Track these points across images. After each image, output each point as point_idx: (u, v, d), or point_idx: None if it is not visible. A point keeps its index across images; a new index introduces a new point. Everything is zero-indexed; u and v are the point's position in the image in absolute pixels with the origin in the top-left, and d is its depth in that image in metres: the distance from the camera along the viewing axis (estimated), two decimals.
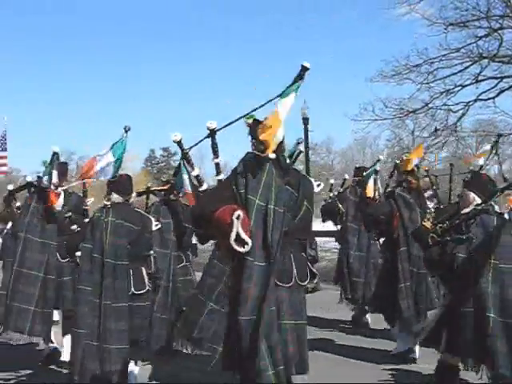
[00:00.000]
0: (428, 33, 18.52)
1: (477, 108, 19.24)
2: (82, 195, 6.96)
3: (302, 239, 4.32)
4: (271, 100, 4.24)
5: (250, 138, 4.38)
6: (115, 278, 5.68)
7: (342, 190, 9.63)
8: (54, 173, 6.79)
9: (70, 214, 7.12)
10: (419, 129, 22.27)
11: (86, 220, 6.31)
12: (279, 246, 3.99)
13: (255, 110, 4.37)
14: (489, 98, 18.44)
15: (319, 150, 65.92)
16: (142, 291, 5.88)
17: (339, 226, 9.54)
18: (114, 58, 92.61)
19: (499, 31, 17.68)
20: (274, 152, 4.12)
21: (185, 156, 5.45)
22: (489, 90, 18.33)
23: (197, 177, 5.40)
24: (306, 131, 24.96)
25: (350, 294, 8.61)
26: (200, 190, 5.25)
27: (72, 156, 75.41)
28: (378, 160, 8.52)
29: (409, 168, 7.34)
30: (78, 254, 5.97)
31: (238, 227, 3.86)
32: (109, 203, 5.91)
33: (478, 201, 5.06)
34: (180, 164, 5.56)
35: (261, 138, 4.14)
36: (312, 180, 4.56)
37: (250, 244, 3.88)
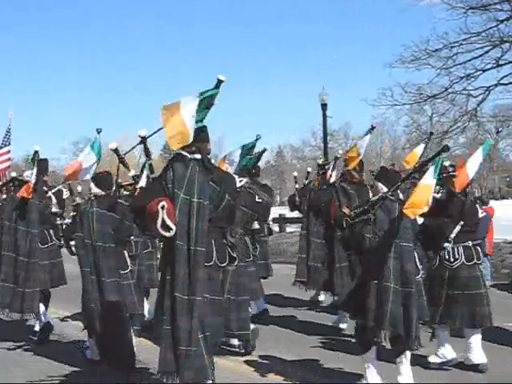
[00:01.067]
0: (447, 17, 18.18)
1: (497, 93, 18.95)
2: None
3: (223, 227, 5.21)
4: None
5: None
6: (107, 258, 6.60)
7: (306, 182, 10.00)
8: (34, 169, 7.69)
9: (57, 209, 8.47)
10: (437, 114, 22.04)
11: (73, 214, 7.47)
12: (204, 232, 4.89)
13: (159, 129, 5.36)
14: (510, 83, 18.17)
15: (337, 137, 65.72)
16: (125, 271, 6.81)
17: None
18: (134, 45, 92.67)
19: None
20: (199, 153, 5.08)
21: (121, 161, 6.53)
22: (510, 74, 18.06)
23: (133, 176, 6.59)
24: (325, 117, 24.99)
25: (306, 277, 8.90)
26: (137, 186, 6.34)
27: (90, 143, 76.03)
28: (337, 157, 9.08)
29: (351, 167, 8.18)
30: (73, 243, 7.07)
31: (163, 215, 4.76)
32: (93, 196, 6.86)
33: (385, 189, 5.86)
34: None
35: (176, 138, 4.95)
36: (236, 177, 5.72)
37: (174, 229, 4.79)
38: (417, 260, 5.80)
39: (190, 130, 4.90)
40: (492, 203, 13.42)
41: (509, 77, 18.11)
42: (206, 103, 5.01)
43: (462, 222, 6.44)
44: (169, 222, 4.77)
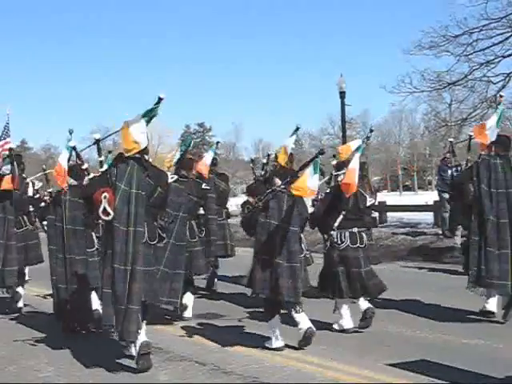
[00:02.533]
0: (467, 3, 17.95)
1: None
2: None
3: (156, 213, 6.53)
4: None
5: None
6: (77, 239, 7.92)
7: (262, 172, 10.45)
8: (14, 164, 8.71)
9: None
10: (456, 101, 21.85)
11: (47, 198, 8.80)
12: (142, 217, 6.27)
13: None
14: None
15: (355, 125, 65.38)
16: (92, 249, 8.12)
17: None
18: (146, 33, 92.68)
19: None
20: (139, 153, 6.34)
21: (78, 157, 7.99)
22: None
23: (85, 169, 7.69)
24: (343, 105, 24.87)
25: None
26: (87, 178, 7.54)
27: (108, 132, 76.34)
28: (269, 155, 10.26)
29: (281, 162, 9.38)
30: (45, 223, 8.66)
31: (104, 203, 6.13)
32: (66, 186, 7.95)
33: (279, 183, 7.05)
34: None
35: (125, 145, 6.32)
36: (168, 174, 7.21)
37: (112, 214, 6.16)
38: (301, 241, 7.16)
39: (140, 142, 6.32)
40: None
41: None
42: (148, 119, 6.38)
43: (344, 212, 7.63)
44: (108, 209, 6.18)
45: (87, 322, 8.03)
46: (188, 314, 8.63)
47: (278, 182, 7.11)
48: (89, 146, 7.95)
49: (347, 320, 7.69)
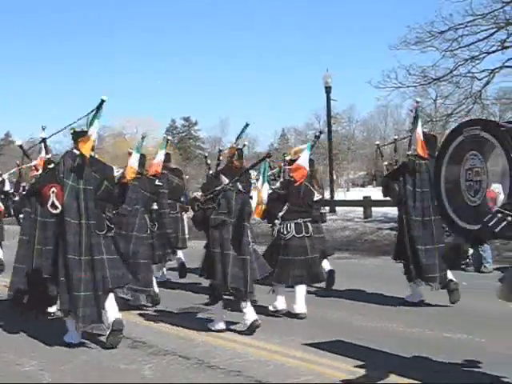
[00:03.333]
0: None
1: (502, 75, 18.82)
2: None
3: (104, 205, 6.98)
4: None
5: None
6: (46, 230, 7.95)
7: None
8: None
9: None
10: (441, 97, 21.94)
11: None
12: (93, 210, 6.76)
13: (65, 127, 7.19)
14: None
15: (341, 120, 65.44)
16: None
17: None
18: (135, 30, 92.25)
19: None
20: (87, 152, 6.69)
21: (25, 155, 8.51)
22: None
23: (30, 167, 8.35)
24: (329, 100, 24.91)
25: None
26: (36, 174, 8.15)
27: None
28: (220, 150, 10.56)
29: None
30: (21, 216, 8.78)
31: (53, 197, 6.69)
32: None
33: (227, 181, 7.45)
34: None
35: (80, 146, 6.68)
36: (114, 168, 7.50)
37: (60, 208, 6.68)
38: (249, 234, 7.50)
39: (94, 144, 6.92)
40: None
41: None
42: (96, 120, 6.80)
43: (288, 204, 8.26)
44: (56, 203, 6.70)
45: (46, 307, 8.27)
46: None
47: (224, 179, 7.55)
48: (35, 145, 8.24)
49: (280, 302, 8.39)
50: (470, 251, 12.37)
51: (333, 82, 24.76)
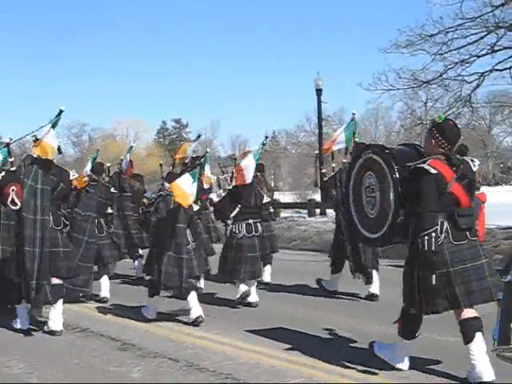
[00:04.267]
0: (443, 2, 18.04)
1: (491, 79, 18.87)
2: None
3: (60, 204, 7.87)
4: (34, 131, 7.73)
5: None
6: (9, 233, 8.06)
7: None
8: None
9: None
10: (432, 100, 21.98)
11: None
12: (48, 208, 7.51)
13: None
14: (505, 69, 18.09)
15: (332, 122, 65.51)
16: None
17: None
18: (126, 32, 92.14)
19: None
20: (44, 155, 7.52)
21: (9, 153, 8.16)
22: (505, 60, 17.99)
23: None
24: (319, 102, 24.95)
25: None
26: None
27: (84, 127, 75.73)
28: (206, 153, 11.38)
29: (180, 155, 11.09)
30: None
31: (12, 195, 7.35)
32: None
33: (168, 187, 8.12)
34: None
35: (34, 150, 7.59)
36: (70, 172, 8.14)
37: (19, 205, 7.37)
38: (188, 235, 8.15)
39: (53, 148, 7.62)
40: (485, 189, 13.43)
41: (503, 63, 18.02)
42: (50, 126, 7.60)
43: (240, 206, 8.95)
44: (16, 200, 7.36)
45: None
46: (105, 293, 9.75)
47: (166, 185, 8.25)
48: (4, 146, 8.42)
49: (243, 287, 9.04)
50: None
51: (323, 84, 24.82)
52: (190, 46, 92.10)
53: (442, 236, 5.40)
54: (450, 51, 18.22)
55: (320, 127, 25.83)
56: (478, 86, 18.57)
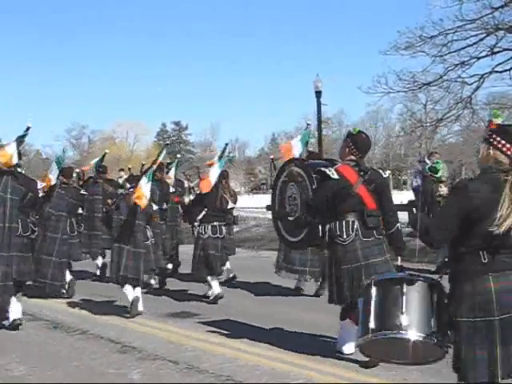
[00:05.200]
0: (443, 4, 18.04)
1: (491, 80, 18.87)
2: None
3: (28, 211, 8.26)
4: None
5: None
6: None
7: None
8: None
9: None
10: (431, 102, 21.98)
11: None
12: (16, 216, 7.99)
13: None
14: (504, 70, 18.11)
15: (331, 124, 65.57)
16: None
17: None
18: (126, 34, 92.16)
19: None
20: (13, 167, 8.10)
21: None
22: (505, 61, 18.01)
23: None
24: (319, 104, 24.94)
25: None
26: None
27: (84, 130, 75.85)
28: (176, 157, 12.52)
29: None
30: None
31: None
32: None
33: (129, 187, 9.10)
34: None
35: (3, 161, 7.97)
36: (37, 181, 8.78)
37: None
38: (147, 232, 9.04)
39: (14, 159, 8.08)
40: None
41: (503, 64, 18.05)
42: (18, 143, 8.24)
43: (206, 209, 9.74)
44: None
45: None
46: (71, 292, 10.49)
47: (128, 186, 9.18)
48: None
49: (216, 288, 9.78)
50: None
51: (323, 86, 24.81)
52: (190, 49, 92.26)
53: (353, 234, 6.10)
54: (449, 53, 18.23)
55: (320, 129, 25.83)
56: (477, 87, 18.58)
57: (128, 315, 8.71)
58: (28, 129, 8.45)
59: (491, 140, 3.81)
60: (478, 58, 18.12)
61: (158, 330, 7.95)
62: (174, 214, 12.15)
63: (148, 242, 9.00)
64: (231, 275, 11.26)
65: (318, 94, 24.74)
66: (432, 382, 5.65)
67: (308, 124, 10.90)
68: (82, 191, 11.41)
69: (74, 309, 9.40)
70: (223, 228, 9.99)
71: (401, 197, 28.43)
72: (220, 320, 8.39)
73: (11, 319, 8.09)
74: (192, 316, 8.79)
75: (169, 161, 13.60)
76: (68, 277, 10.40)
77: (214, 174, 9.70)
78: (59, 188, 10.22)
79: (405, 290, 3.82)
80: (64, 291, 10.34)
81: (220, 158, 10.17)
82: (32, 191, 8.29)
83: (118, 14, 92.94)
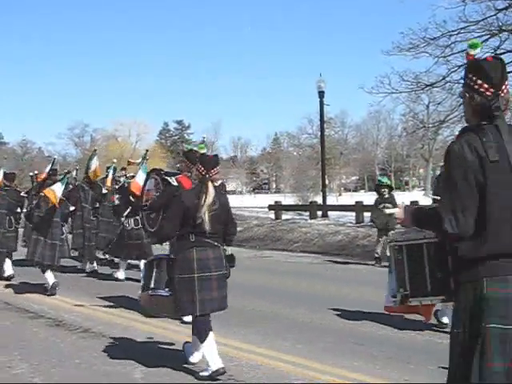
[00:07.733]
0: (446, 5, 18.05)
1: None
2: None
3: None
4: None
5: None
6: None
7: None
8: None
9: None
10: (434, 103, 21.99)
11: None
12: None
13: None
14: (508, 72, 18.09)
15: (334, 124, 65.55)
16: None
17: None
18: (129, 33, 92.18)
19: None
20: None
21: None
22: (508, 63, 18.00)
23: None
24: (322, 105, 24.95)
25: None
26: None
27: (86, 128, 75.92)
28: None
29: (91, 174, 13.73)
30: None
31: None
32: None
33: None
34: None
35: None
36: None
37: None
38: (64, 228, 11.33)
39: None
40: None
41: (506, 66, 18.05)
42: None
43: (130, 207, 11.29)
44: None
45: None
46: (10, 271, 12.42)
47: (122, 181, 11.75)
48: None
49: (121, 273, 12.01)
50: (378, 249, 13.97)
51: (326, 86, 24.82)
52: (192, 48, 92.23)
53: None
54: (453, 54, 18.24)
55: (322, 129, 25.85)
56: None
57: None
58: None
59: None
60: None
61: (160, 330, 7.95)
62: (110, 211, 13.27)
63: (63, 236, 11.14)
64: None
65: (321, 94, 24.74)
66: (432, 382, 5.66)
67: (204, 137, 11.27)
68: (22, 193, 13.34)
69: (76, 307, 9.42)
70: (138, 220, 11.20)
71: (402, 198, 28.56)
72: (220, 320, 8.39)
73: None
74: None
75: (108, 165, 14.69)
76: (51, 279, 10.92)
77: (140, 178, 10.38)
78: (1, 190, 12.35)
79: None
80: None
81: (142, 162, 11.15)
82: None
83: (121, 13, 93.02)
